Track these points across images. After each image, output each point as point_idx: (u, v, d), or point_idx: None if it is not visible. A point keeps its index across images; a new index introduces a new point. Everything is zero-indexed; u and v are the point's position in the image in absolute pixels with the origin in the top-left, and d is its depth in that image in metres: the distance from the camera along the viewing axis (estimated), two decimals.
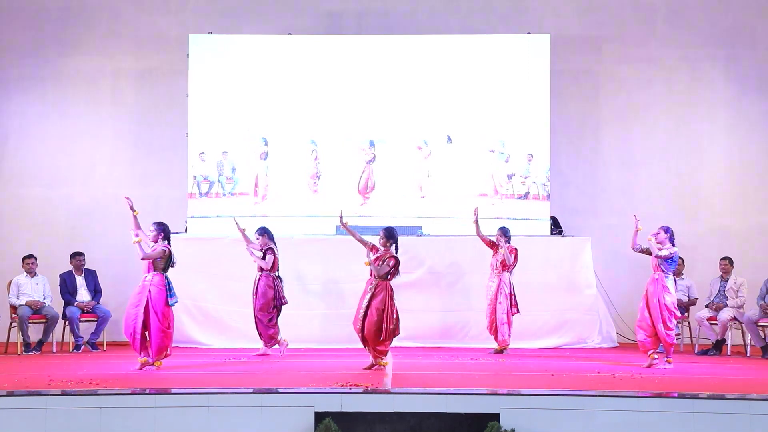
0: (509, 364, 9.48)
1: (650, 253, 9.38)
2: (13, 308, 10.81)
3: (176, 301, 8.99)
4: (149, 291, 8.82)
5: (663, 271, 9.25)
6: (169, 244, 9.05)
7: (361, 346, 9.11)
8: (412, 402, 7.04)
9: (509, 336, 10.42)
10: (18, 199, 12.49)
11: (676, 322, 9.51)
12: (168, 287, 8.89)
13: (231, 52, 12.13)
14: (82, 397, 7.04)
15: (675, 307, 9.29)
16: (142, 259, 8.86)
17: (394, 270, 8.93)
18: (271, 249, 10.20)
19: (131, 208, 9.09)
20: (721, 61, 12.61)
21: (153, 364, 8.84)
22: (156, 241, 8.98)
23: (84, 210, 12.48)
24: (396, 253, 9.01)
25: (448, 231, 11.63)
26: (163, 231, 9.05)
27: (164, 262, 8.96)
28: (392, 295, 8.90)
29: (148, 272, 8.90)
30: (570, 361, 9.74)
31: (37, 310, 10.75)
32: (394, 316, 8.87)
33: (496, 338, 10.45)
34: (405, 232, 11.32)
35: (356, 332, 8.97)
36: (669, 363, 9.22)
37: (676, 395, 7.20)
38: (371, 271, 8.96)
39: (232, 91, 12.06)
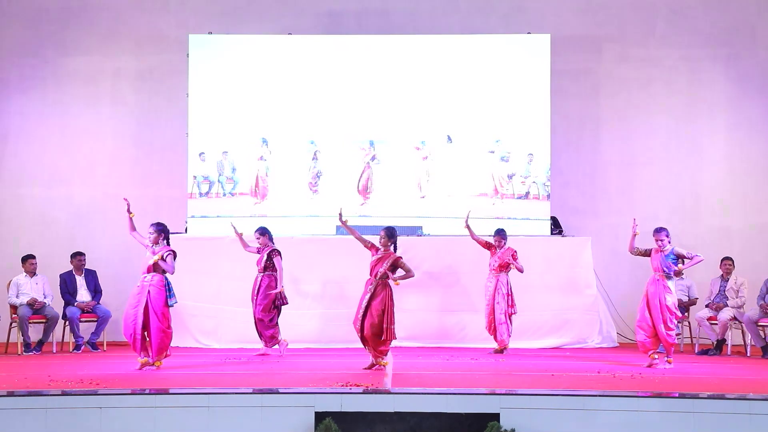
0: (509, 364, 9.48)
1: (648, 255, 9.39)
2: (13, 308, 10.81)
3: (176, 302, 8.99)
4: (148, 291, 8.82)
5: (664, 271, 9.26)
6: (168, 244, 9.04)
7: (361, 346, 9.11)
8: (412, 402, 7.03)
9: (508, 336, 10.42)
10: (18, 199, 12.50)
11: (676, 322, 9.52)
12: (167, 288, 8.88)
13: (231, 52, 12.13)
14: (82, 397, 7.03)
15: (676, 308, 9.32)
16: (171, 273, 8.90)
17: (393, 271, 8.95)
18: (277, 251, 10.20)
19: (128, 210, 9.06)
20: (721, 61, 12.61)
21: (153, 364, 8.84)
22: (156, 243, 8.96)
23: (84, 210, 12.48)
24: (395, 252, 9.01)
25: (448, 231, 11.62)
26: (164, 232, 9.03)
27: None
28: (392, 295, 8.90)
29: (147, 272, 8.89)
30: (570, 361, 9.74)
31: (37, 309, 10.75)
32: (394, 317, 8.86)
33: (495, 338, 10.45)
34: (405, 232, 11.32)
35: (356, 332, 8.97)
36: (669, 363, 9.23)
37: (676, 395, 7.20)
38: (371, 270, 8.95)
39: (232, 91, 12.06)
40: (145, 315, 8.77)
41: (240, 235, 10.41)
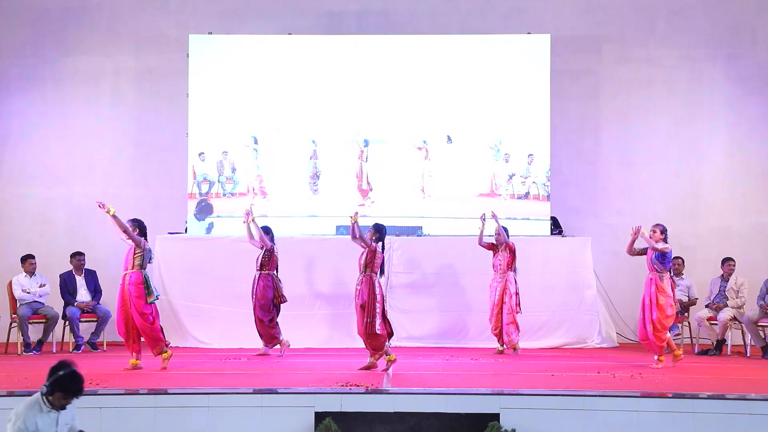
0: (509, 364, 9.48)
1: (645, 253, 9.32)
2: (14, 306, 10.79)
3: (156, 298, 8.92)
4: (129, 290, 8.80)
5: (657, 270, 9.19)
6: (145, 239, 9.01)
7: (361, 346, 9.11)
8: (412, 402, 7.04)
9: (518, 335, 10.37)
10: (18, 199, 12.49)
11: (671, 323, 9.28)
12: (146, 284, 8.85)
13: (231, 52, 12.13)
14: (82, 397, 7.01)
15: (670, 308, 9.12)
16: (123, 231, 8.77)
17: (371, 263, 8.81)
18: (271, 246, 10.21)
19: (102, 206, 8.85)
20: (721, 61, 12.59)
21: (163, 361, 8.85)
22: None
23: (84, 210, 12.45)
24: (382, 250, 8.94)
25: (448, 231, 11.63)
26: (139, 226, 8.98)
27: (140, 258, 8.90)
28: (372, 290, 8.73)
29: (125, 270, 8.87)
30: (570, 361, 9.74)
31: (36, 310, 10.78)
32: (377, 311, 8.71)
33: (500, 340, 10.38)
34: (405, 232, 11.34)
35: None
36: (660, 362, 9.15)
37: (676, 395, 7.20)
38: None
39: (232, 91, 12.06)
40: (129, 313, 8.80)
41: (252, 220, 10.13)
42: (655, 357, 9.23)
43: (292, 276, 10.75)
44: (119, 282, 8.95)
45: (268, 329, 10.06)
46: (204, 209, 11.81)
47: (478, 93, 11.99)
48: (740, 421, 6.81)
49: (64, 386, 5.40)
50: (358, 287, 8.84)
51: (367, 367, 8.76)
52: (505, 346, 10.33)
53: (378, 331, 8.70)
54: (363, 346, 9.03)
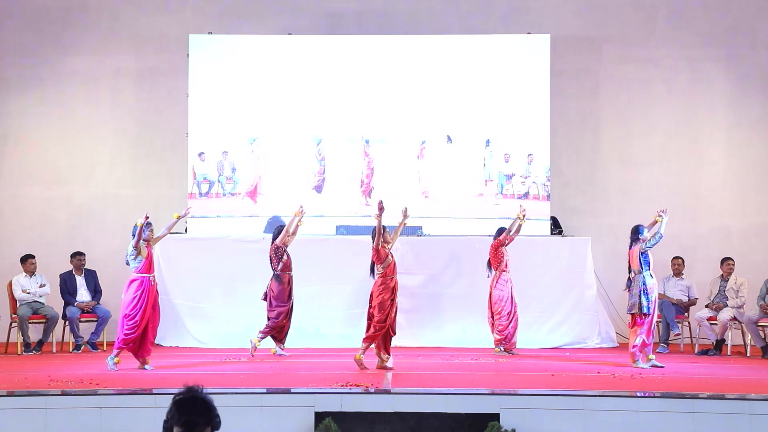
0: (509, 364, 9.48)
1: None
2: (14, 306, 10.79)
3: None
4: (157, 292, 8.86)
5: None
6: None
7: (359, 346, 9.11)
8: (412, 402, 7.04)
9: None
10: (18, 199, 12.49)
11: (645, 324, 9.10)
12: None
13: (231, 52, 12.13)
14: (82, 397, 7.04)
15: (639, 308, 9.03)
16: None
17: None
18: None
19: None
20: (721, 61, 12.60)
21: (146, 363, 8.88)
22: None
23: (84, 210, 12.48)
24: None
25: (448, 231, 11.63)
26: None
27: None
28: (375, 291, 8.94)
29: (153, 272, 8.92)
30: (570, 361, 9.74)
31: (36, 310, 10.78)
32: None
33: (511, 339, 10.31)
34: (405, 232, 11.27)
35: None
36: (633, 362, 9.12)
37: (676, 395, 7.20)
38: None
39: (232, 91, 12.06)
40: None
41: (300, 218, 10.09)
42: (652, 357, 9.25)
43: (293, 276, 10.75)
44: (152, 285, 8.85)
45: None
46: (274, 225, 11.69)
47: (478, 93, 11.99)
48: (740, 421, 6.81)
49: (174, 418, 3.86)
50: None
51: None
52: (504, 345, 10.32)
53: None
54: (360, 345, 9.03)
